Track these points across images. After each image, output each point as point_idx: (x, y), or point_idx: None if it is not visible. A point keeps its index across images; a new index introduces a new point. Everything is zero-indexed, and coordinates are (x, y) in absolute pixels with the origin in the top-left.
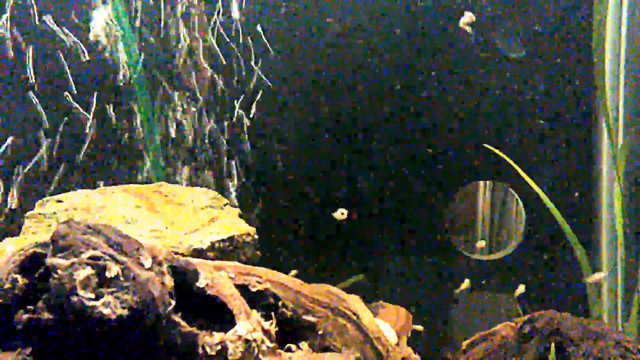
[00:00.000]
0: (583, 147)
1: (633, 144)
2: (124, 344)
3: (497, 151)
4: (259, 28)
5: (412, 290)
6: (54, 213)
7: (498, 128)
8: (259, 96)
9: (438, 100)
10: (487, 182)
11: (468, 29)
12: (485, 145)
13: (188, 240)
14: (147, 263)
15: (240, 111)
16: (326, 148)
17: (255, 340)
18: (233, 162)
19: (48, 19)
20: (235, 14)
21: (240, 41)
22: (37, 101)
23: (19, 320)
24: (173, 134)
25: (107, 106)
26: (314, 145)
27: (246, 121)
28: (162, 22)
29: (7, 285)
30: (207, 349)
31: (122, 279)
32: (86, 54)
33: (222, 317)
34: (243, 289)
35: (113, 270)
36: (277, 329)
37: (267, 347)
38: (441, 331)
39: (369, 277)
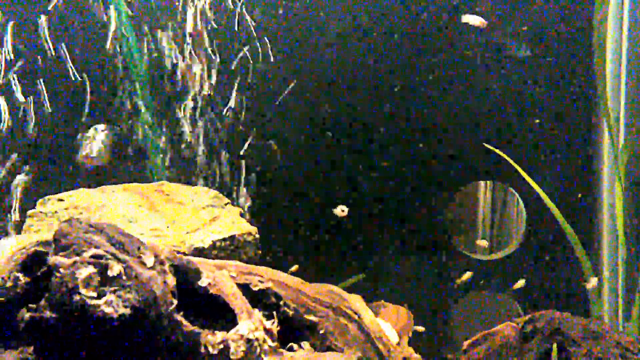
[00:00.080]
0: (584, 147)
1: (634, 143)
2: (126, 343)
3: (497, 151)
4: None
5: (412, 290)
6: (55, 212)
7: (499, 128)
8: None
9: (439, 100)
10: (488, 182)
11: (472, 20)
12: (486, 145)
13: (189, 239)
14: (149, 262)
15: (235, 108)
16: (327, 148)
17: (257, 339)
18: (242, 162)
19: (42, 20)
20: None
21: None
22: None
23: (22, 319)
24: (175, 133)
25: (108, 106)
26: (314, 145)
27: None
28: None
29: (9, 284)
30: (210, 348)
31: (124, 277)
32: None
33: (224, 316)
34: (245, 288)
35: (115, 269)
36: (279, 328)
37: (269, 346)
38: (442, 331)
39: (369, 276)
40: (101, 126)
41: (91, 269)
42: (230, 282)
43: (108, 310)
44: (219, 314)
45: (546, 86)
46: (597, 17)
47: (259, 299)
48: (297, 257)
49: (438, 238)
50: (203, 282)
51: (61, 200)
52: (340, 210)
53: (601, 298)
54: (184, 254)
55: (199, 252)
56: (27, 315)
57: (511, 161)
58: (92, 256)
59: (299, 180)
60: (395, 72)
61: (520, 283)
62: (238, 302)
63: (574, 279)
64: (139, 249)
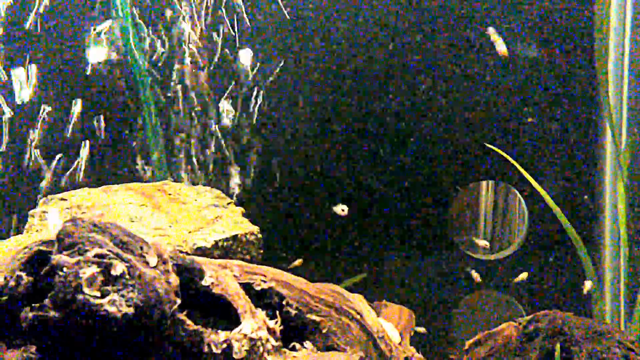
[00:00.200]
0: (586, 147)
1: (637, 142)
2: (129, 342)
3: (499, 151)
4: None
5: (414, 290)
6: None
7: (501, 128)
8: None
9: (441, 99)
10: (490, 181)
11: (497, 43)
12: (488, 145)
13: (192, 239)
14: (153, 261)
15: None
16: (328, 147)
17: (260, 338)
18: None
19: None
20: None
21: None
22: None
23: (25, 318)
24: (176, 133)
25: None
26: (314, 144)
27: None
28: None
29: (12, 283)
30: (213, 348)
31: (127, 277)
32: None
33: (227, 316)
34: (248, 287)
35: (119, 268)
36: (281, 327)
37: (272, 345)
38: (444, 331)
39: (371, 276)
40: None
41: (95, 269)
42: (233, 281)
43: (111, 309)
44: (222, 313)
45: (548, 86)
46: (598, 16)
47: (262, 299)
48: (298, 256)
49: (440, 237)
50: (206, 282)
51: (64, 199)
52: (340, 209)
53: (603, 298)
54: (187, 253)
55: (202, 251)
56: (31, 314)
57: (513, 161)
58: (96, 255)
59: (300, 179)
60: (398, 71)
61: (523, 276)
62: (241, 301)
63: (576, 279)
64: (142, 248)
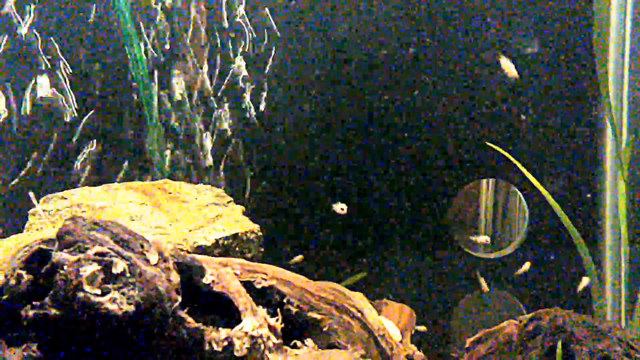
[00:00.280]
0: (587, 145)
1: (638, 141)
2: (130, 340)
3: (500, 150)
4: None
5: (415, 288)
6: (58, 210)
7: (502, 126)
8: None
9: (442, 97)
10: (490, 180)
11: (509, 69)
12: (488, 143)
13: (192, 237)
14: (154, 259)
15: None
16: (328, 146)
17: (261, 336)
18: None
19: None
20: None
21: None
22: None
23: (26, 316)
24: (177, 132)
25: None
26: (315, 144)
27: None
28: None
29: (13, 282)
30: (214, 345)
31: (128, 275)
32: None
33: (228, 314)
34: (248, 285)
35: (119, 266)
36: (282, 325)
37: (273, 343)
38: (444, 329)
39: (372, 275)
40: None
41: (95, 266)
42: (234, 279)
43: (112, 307)
44: (223, 311)
45: (549, 84)
46: (598, 15)
47: (263, 297)
48: (298, 255)
49: (440, 236)
50: (207, 279)
51: (64, 198)
52: (340, 208)
53: (604, 296)
54: (187, 251)
55: (202, 250)
56: (31, 312)
57: (513, 159)
58: (96, 253)
59: (301, 177)
60: (399, 70)
61: (526, 266)
62: (242, 299)
63: (577, 278)
64: (142, 246)
